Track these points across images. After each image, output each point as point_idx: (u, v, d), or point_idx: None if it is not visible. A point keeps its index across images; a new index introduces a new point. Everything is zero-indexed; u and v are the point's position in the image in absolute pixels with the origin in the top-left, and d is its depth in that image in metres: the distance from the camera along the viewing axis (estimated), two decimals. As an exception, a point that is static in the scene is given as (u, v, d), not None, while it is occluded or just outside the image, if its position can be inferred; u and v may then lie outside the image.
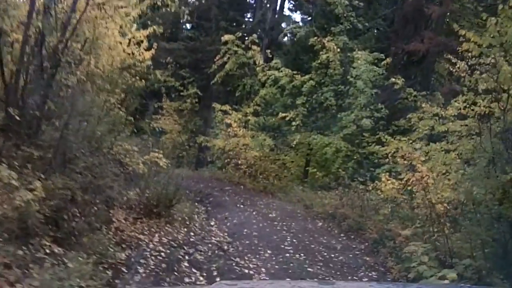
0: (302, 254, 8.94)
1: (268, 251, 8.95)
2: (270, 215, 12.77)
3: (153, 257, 7.41)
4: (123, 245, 7.57)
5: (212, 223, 11.88)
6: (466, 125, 12.57)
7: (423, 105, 13.88)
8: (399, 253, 8.63)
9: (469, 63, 12.04)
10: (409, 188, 9.06)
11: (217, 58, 22.14)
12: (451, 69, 12.43)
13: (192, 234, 9.79)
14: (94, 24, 12.32)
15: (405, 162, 9.27)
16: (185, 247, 8.61)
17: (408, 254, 7.67)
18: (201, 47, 26.70)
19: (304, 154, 18.86)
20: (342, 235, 11.03)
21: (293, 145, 17.82)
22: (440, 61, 18.63)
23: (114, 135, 8.94)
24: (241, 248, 9.16)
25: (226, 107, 21.80)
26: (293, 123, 17.20)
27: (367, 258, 9.20)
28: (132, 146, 9.87)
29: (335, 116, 17.01)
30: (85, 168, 8.06)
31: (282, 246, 9.45)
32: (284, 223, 11.78)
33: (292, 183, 17.05)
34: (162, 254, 7.69)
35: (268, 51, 22.94)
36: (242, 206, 13.76)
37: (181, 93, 26.02)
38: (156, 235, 8.75)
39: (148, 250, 7.74)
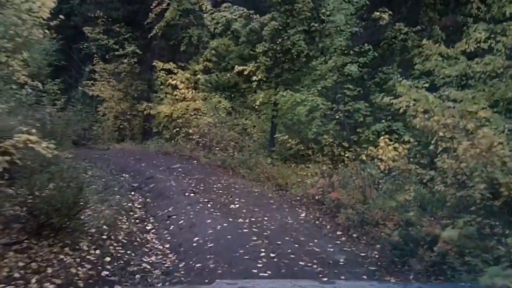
0: (289, 286, 5.37)
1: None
2: (232, 205, 9.15)
3: None
4: None
5: (149, 227, 8.20)
6: (488, 64, 9.19)
7: (424, 41, 10.34)
8: (450, 273, 5.19)
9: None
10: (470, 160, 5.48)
11: (154, 4, 18.03)
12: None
13: (107, 260, 6.03)
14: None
15: (447, 122, 5.74)
16: (85, 298, 4.90)
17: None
18: (137, -4, 22.31)
19: (269, 116, 15.21)
20: (339, 233, 7.49)
21: (256, 106, 14.09)
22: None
23: None
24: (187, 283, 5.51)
25: (170, 65, 17.90)
26: (254, 77, 13.43)
27: (393, 281, 5.70)
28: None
29: (306, 65, 13.36)
30: None
31: (255, 271, 5.81)
32: (252, 219, 8.18)
33: (257, 155, 13.42)
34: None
35: (217, -7, 18.87)
36: (193, 194, 10.05)
37: (117, 53, 21.69)
38: (35, 278, 4.99)
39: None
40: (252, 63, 13.42)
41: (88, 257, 5.94)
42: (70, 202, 6.40)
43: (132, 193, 10.91)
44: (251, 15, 13.45)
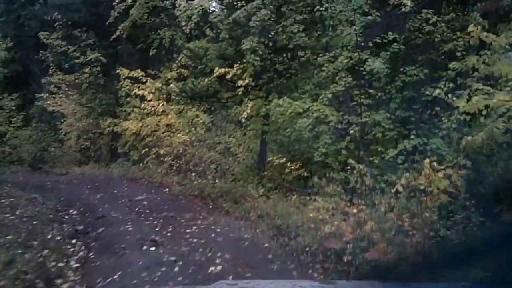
0: None
1: None
2: (212, 267, 6.02)
3: None
4: None
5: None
6: None
7: (470, 28, 7.49)
8: None
9: None
10: None
11: (117, 0, 15.00)
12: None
13: None
14: None
15: None
16: None
17: None
18: (102, -4, 19.22)
19: (258, 132, 12.24)
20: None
21: (243, 119, 10.97)
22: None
23: None
24: None
25: (138, 73, 14.83)
26: (239, 82, 10.34)
27: None
28: None
29: (306, 66, 10.43)
30: None
31: None
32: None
33: (244, 182, 10.40)
34: None
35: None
36: (154, 247, 6.89)
37: (77, 61, 18.49)
38: None
39: None
40: (236, 65, 10.36)
41: None
42: None
43: (73, 241, 7.79)
44: (234, 3, 10.39)
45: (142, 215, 9.12)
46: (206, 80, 10.93)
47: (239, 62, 10.39)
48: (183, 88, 12.27)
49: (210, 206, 10.10)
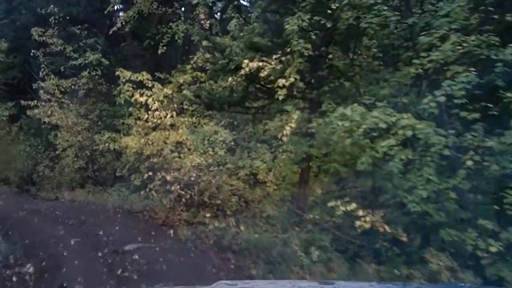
0: None
1: None
2: None
3: None
4: None
5: None
6: None
7: None
8: None
9: None
10: None
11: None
12: None
13: None
14: None
15: None
16: None
17: None
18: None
19: (298, 157, 8.74)
20: None
21: (283, 137, 7.36)
22: None
23: None
24: None
25: (142, 76, 11.52)
26: (280, 82, 6.87)
27: None
28: None
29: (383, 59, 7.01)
30: None
31: None
32: None
33: (284, 232, 6.95)
34: None
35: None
36: None
37: (74, 63, 15.36)
38: None
39: None
40: (276, 55, 6.93)
41: None
42: None
43: None
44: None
45: (124, 284, 5.76)
46: (230, 79, 7.50)
47: (280, 53, 6.98)
48: (197, 92, 8.93)
49: (232, 266, 6.73)
